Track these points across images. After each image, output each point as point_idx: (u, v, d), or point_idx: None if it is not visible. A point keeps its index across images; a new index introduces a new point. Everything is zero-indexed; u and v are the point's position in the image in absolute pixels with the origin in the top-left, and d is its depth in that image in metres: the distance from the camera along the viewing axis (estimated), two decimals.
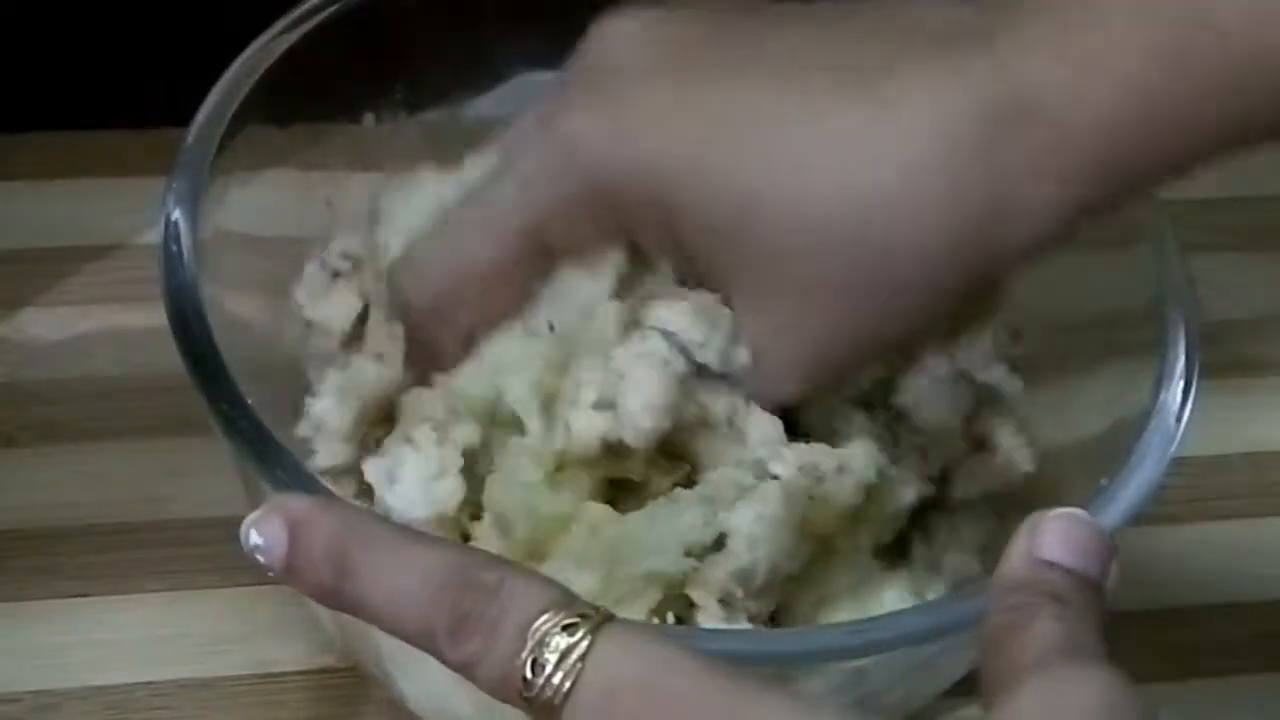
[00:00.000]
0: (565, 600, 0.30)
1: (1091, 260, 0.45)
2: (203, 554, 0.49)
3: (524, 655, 0.30)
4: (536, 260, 0.41)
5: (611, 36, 0.40)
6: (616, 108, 0.39)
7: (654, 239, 0.40)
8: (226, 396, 0.38)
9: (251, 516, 0.32)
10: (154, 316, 0.41)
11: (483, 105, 0.49)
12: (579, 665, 0.29)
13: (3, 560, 0.49)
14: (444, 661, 0.31)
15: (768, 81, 0.38)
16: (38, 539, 0.50)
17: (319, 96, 0.46)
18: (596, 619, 0.30)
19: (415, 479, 0.40)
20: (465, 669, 0.31)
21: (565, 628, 0.30)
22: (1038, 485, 0.45)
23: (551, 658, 0.29)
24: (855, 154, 0.37)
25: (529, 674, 0.30)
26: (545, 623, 0.30)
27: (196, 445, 0.47)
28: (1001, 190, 0.37)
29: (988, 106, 0.36)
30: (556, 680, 0.29)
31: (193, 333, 0.40)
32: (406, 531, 0.33)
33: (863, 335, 0.39)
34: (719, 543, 0.39)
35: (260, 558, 0.32)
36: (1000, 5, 0.37)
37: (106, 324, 0.54)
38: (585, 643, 0.29)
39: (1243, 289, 0.59)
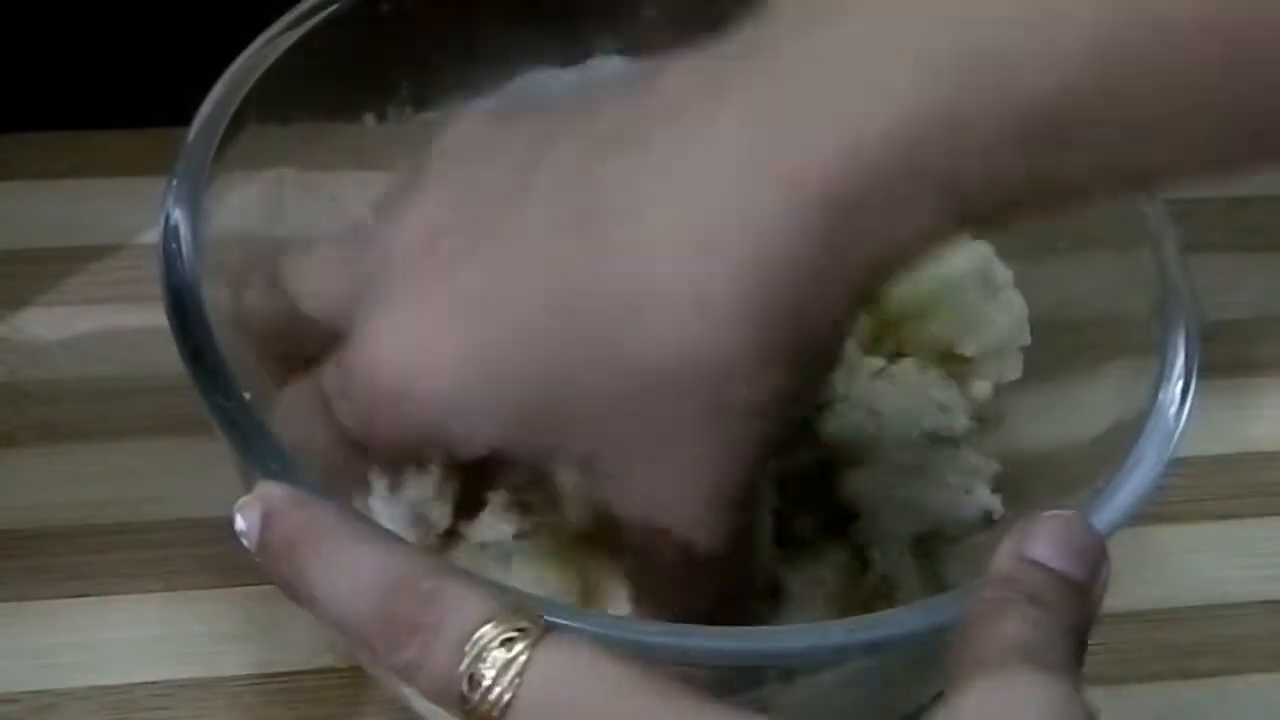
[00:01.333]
0: (506, 611, 0.30)
1: (1091, 260, 0.45)
2: (202, 554, 0.49)
3: (462, 667, 0.30)
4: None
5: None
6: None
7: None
8: (226, 395, 0.38)
9: (241, 500, 0.33)
10: (154, 316, 0.41)
11: (484, 104, 0.48)
12: (517, 681, 0.29)
13: (2, 560, 0.49)
14: (386, 667, 0.31)
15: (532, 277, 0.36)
16: (37, 539, 0.50)
17: (319, 96, 0.45)
18: (536, 633, 0.30)
19: None
20: (404, 675, 0.31)
21: (504, 641, 0.30)
22: (1037, 485, 0.45)
23: (489, 672, 0.29)
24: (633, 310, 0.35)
25: (467, 688, 0.30)
26: (483, 636, 0.30)
27: (196, 445, 0.47)
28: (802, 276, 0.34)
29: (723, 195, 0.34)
30: (494, 695, 0.29)
31: (192, 332, 0.39)
32: (360, 529, 0.33)
33: (742, 448, 0.37)
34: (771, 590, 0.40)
35: (244, 541, 0.33)
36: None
37: (106, 324, 0.54)
38: (524, 657, 0.29)
39: (1243, 289, 0.59)
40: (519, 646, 0.30)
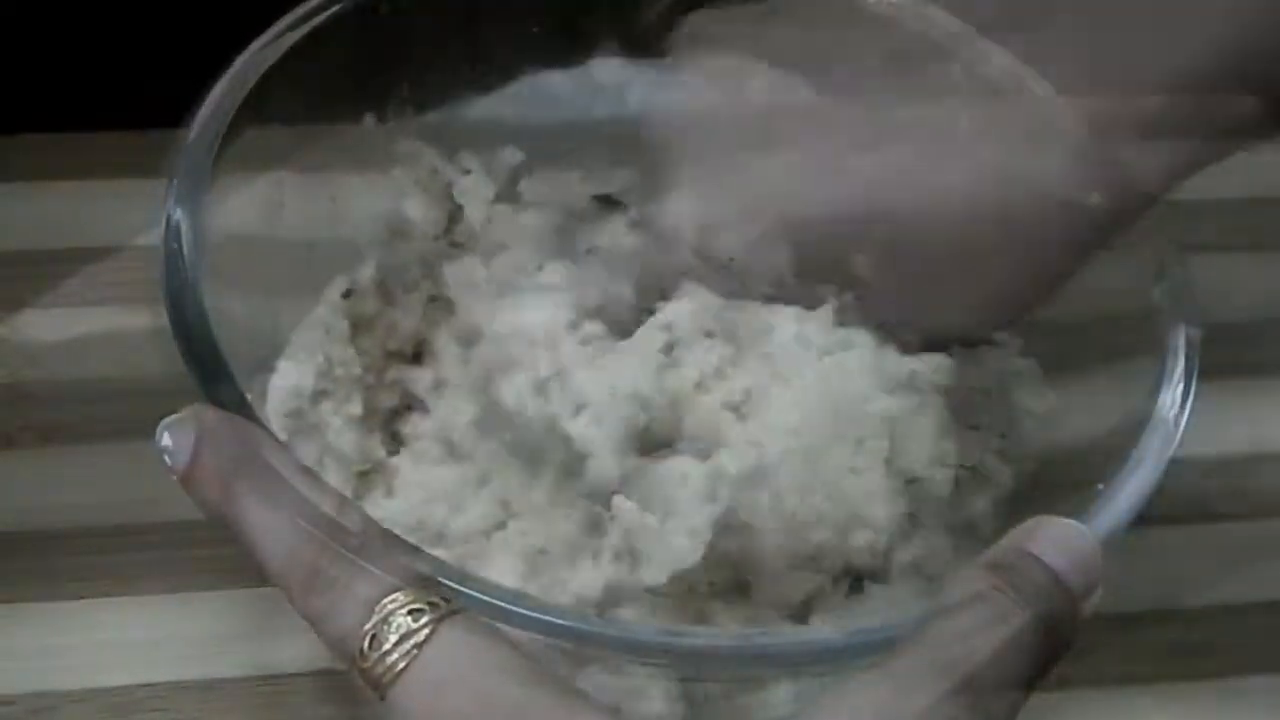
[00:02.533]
0: (419, 584, 0.31)
1: (1092, 261, 0.44)
2: (202, 555, 0.49)
3: (367, 627, 0.31)
4: None
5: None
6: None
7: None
8: (227, 397, 0.38)
9: (169, 418, 0.34)
10: (153, 318, 0.40)
11: (484, 105, 0.48)
12: (415, 652, 0.30)
13: (1, 561, 0.49)
14: (295, 608, 0.32)
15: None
16: (36, 540, 0.50)
17: (320, 96, 0.45)
18: (444, 610, 0.31)
19: None
20: (311, 621, 0.32)
21: (412, 611, 0.31)
22: (1037, 488, 0.45)
23: (392, 637, 0.30)
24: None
25: (366, 646, 0.30)
26: (393, 601, 0.31)
27: None
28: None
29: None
30: (390, 660, 0.30)
31: (193, 333, 0.39)
32: (297, 470, 0.33)
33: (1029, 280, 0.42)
34: None
35: (167, 459, 0.33)
36: None
37: (106, 325, 0.54)
38: (426, 630, 0.30)
39: (1243, 290, 0.59)
40: (425, 619, 0.30)
